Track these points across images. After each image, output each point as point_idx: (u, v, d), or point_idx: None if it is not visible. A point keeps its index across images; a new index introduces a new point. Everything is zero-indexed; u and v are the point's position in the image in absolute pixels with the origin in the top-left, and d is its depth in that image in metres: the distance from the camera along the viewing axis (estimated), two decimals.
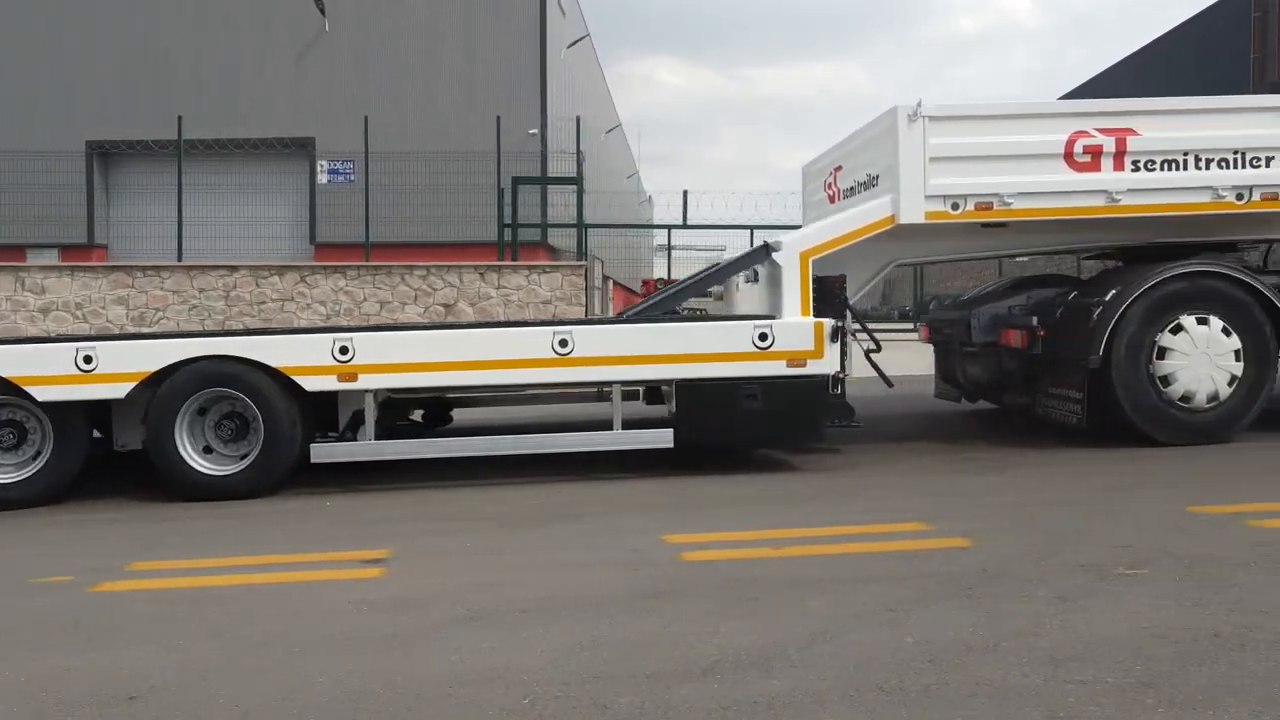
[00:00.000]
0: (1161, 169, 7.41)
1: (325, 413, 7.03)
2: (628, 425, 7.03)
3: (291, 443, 6.64)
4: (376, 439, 6.87)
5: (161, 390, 6.55)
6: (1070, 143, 7.36)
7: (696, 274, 8.69)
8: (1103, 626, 3.56)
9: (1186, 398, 7.36)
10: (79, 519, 6.28)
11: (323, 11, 24.45)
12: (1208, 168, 7.42)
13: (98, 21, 24.76)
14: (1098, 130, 7.38)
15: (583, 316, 14.30)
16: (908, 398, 9.99)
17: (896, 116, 7.38)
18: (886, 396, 8.88)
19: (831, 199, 9.10)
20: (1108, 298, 7.38)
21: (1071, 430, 7.51)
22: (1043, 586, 4.05)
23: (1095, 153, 7.36)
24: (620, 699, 3.06)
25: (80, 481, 6.74)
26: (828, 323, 7.05)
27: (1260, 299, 7.42)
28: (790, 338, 6.98)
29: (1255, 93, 7.73)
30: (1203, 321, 7.37)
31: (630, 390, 7.53)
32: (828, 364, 7.03)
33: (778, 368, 6.95)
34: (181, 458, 6.55)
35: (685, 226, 18.78)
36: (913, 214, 7.36)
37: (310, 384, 6.65)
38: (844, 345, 7.45)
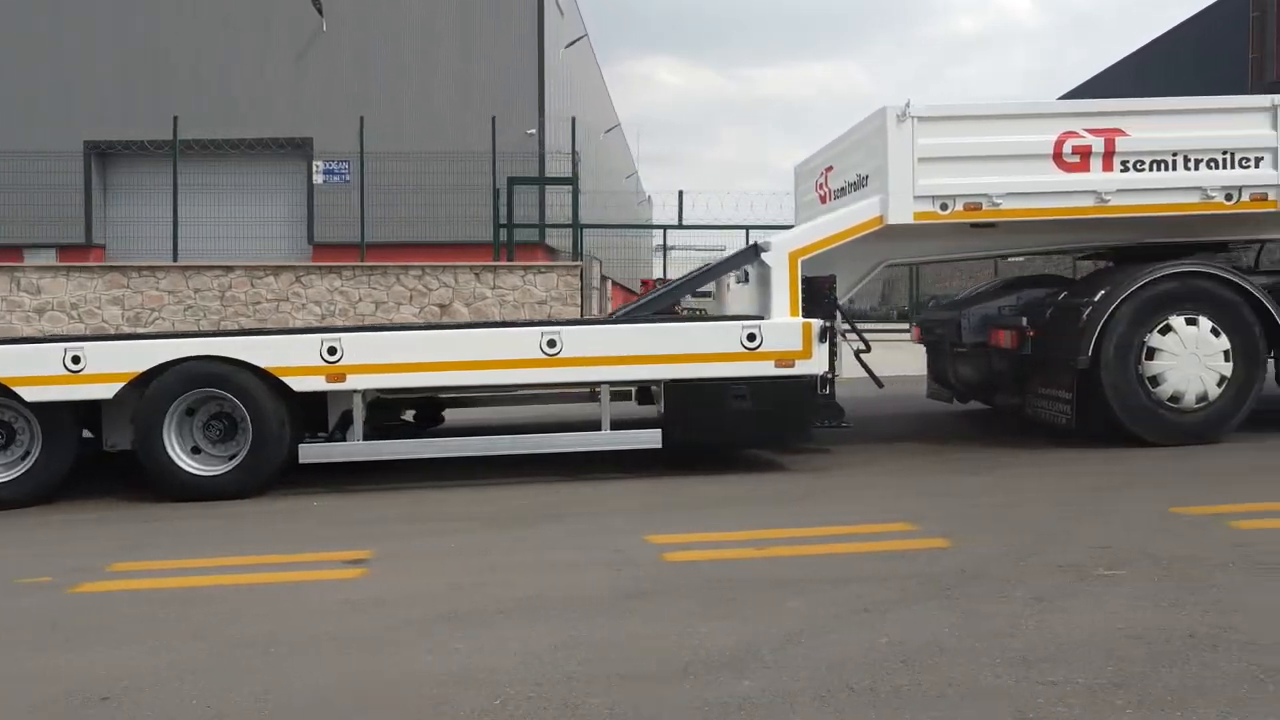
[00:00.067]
0: (1150, 169, 7.41)
1: (315, 413, 7.04)
2: (617, 425, 7.03)
3: (280, 443, 6.65)
4: (366, 439, 6.88)
5: (150, 390, 6.56)
6: (1059, 143, 7.36)
7: (687, 274, 8.69)
8: (1078, 627, 3.56)
9: (1175, 398, 7.36)
10: (68, 519, 6.29)
11: (320, 12, 24.48)
12: (1197, 168, 7.42)
13: (96, 22, 24.79)
14: (1087, 131, 7.38)
15: (577, 317, 14.30)
16: (900, 398, 10.01)
17: (885, 117, 7.38)
18: (879, 397, 8.90)
19: (823, 199, 9.11)
20: (1097, 298, 7.38)
21: (1061, 431, 7.51)
22: (1021, 587, 4.05)
23: (1084, 153, 7.36)
24: (592, 699, 3.07)
25: (70, 482, 6.75)
26: (815, 323, 7.05)
27: (1249, 299, 7.41)
28: (778, 338, 6.99)
29: (1254, 93, 7.73)
30: (1192, 322, 7.36)
31: (623, 390, 7.54)
32: (816, 364, 7.03)
33: (766, 368, 6.95)
34: (170, 458, 6.56)
35: (681, 227, 18.78)
36: (901, 214, 7.36)
37: (298, 384, 6.66)
38: (833, 346, 7.45)
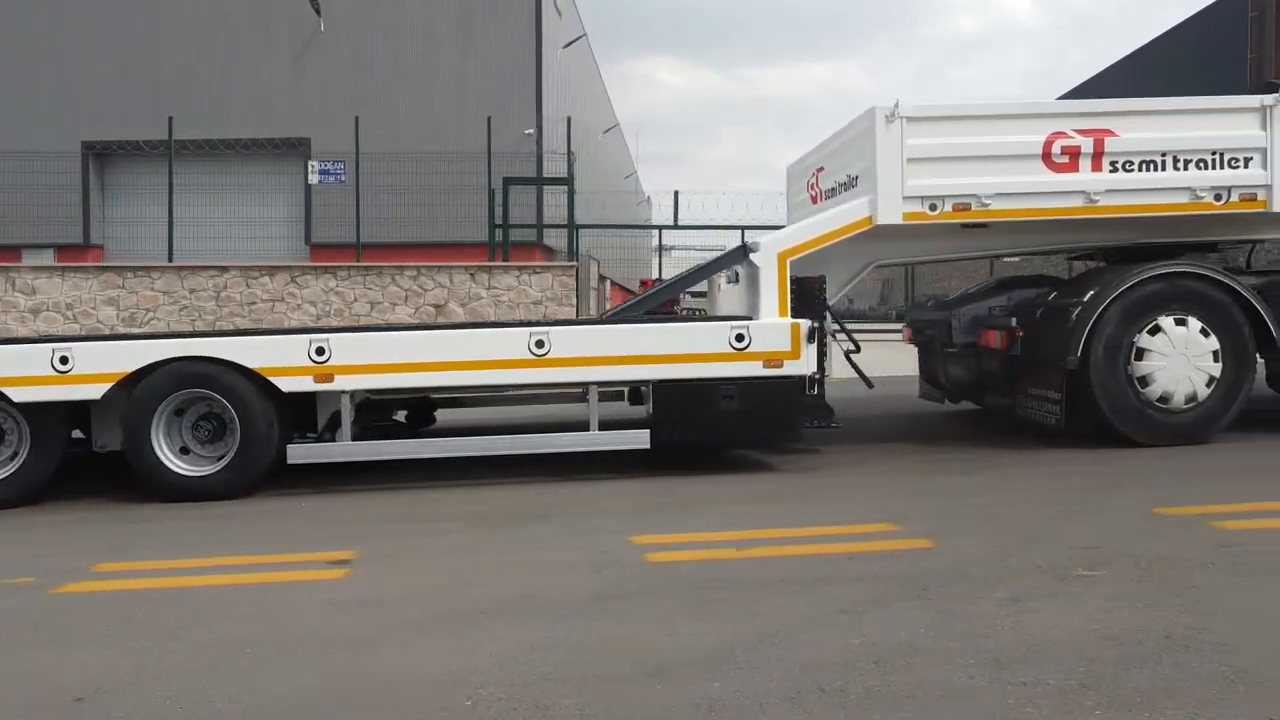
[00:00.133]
0: (1140, 170, 7.41)
1: (304, 413, 7.05)
2: (607, 426, 7.03)
3: (268, 443, 6.66)
4: (356, 439, 6.89)
5: (138, 391, 6.57)
6: (1048, 144, 7.35)
7: (678, 275, 8.70)
8: (1053, 628, 3.56)
9: (1164, 398, 7.35)
10: (55, 520, 6.30)
11: (318, 12, 24.48)
12: (1186, 168, 7.41)
13: (95, 22, 24.80)
14: (1076, 131, 7.37)
15: (572, 317, 14.30)
16: (891, 399, 10.00)
17: (874, 117, 7.38)
18: (870, 397, 8.88)
19: (814, 199, 9.11)
20: (1086, 298, 7.37)
21: (1051, 431, 7.51)
22: (999, 588, 4.05)
23: (1073, 153, 7.36)
24: (564, 700, 3.07)
25: (59, 482, 6.76)
26: (804, 324, 7.05)
27: (1239, 300, 7.40)
28: (767, 338, 6.99)
29: (1252, 93, 7.71)
30: (1181, 322, 7.36)
31: (615, 391, 7.54)
32: (804, 365, 7.03)
33: (754, 368, 6.95)
34: (158, 458, 6.57)
35: (676, 227, 18.80)
36: (890, 215, 7.36)
37: (286, 385, 6.67)
38: (822, 346, 7.45)
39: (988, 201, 7.37)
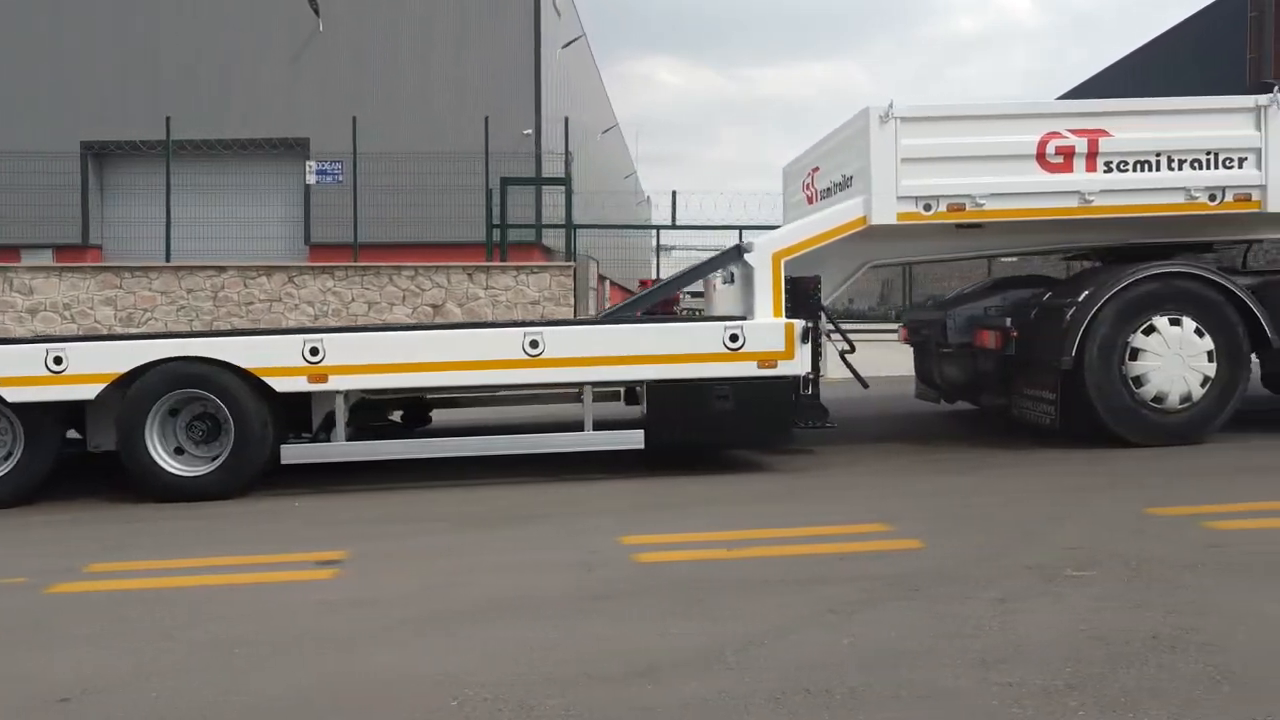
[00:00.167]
0: (1134, 170, 7.41)
1: (299, 414, 7.05)
2: (601, 426, 7.03)
3: (262, 444, 6.66)
4: (352, 440, 6.90)
5: (132, 391, 6.57)
6: (1042, 144, 7.35)
7: (672, 275, 8.70)
8: (1041, 628, 3.57)
9: (1159, 399, 7.35)
10: (49, 520, 6.30)
11: (317, 12, 24.49)
12: (1180, 169, 7.41)
13: (94, 22, 24.80)
14: (1070, 131, 7.37)
15: (569, 317, 14.31)
16: (888, 399, 10.01)
17: (868, 117, 7.38)
18: (867, 398, 8.89)
19: (810, 200, 9.11)
20: (1080, 298, 7.37)
21: (1046, 431, 7.51)
22: (989, 588, 4.06)
23: (1068, 154, 7.36)
24: (549, 701, 3.07)
25: (54, 482, 6.76)
26: (798, 324, 7.05)
27: (1233, 299, 7.41)
28: (761, 339, 6.99)
29: (1251, 93, 7.70)
30: (1175, 322, 7.36)
31: (611, 391, 7.54)
32: (798, 365, 7.03)
33: (748, 368, 6.95)
34: (151, 459, 6.57)
35: (674, 227, 18.78)
36: (884, 215, 7.36)
37: (280, 385, 6.67)
38: (816, 346, 7.45)
39: (982, 202, 7.37)
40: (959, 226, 7.74)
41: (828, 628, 3.66)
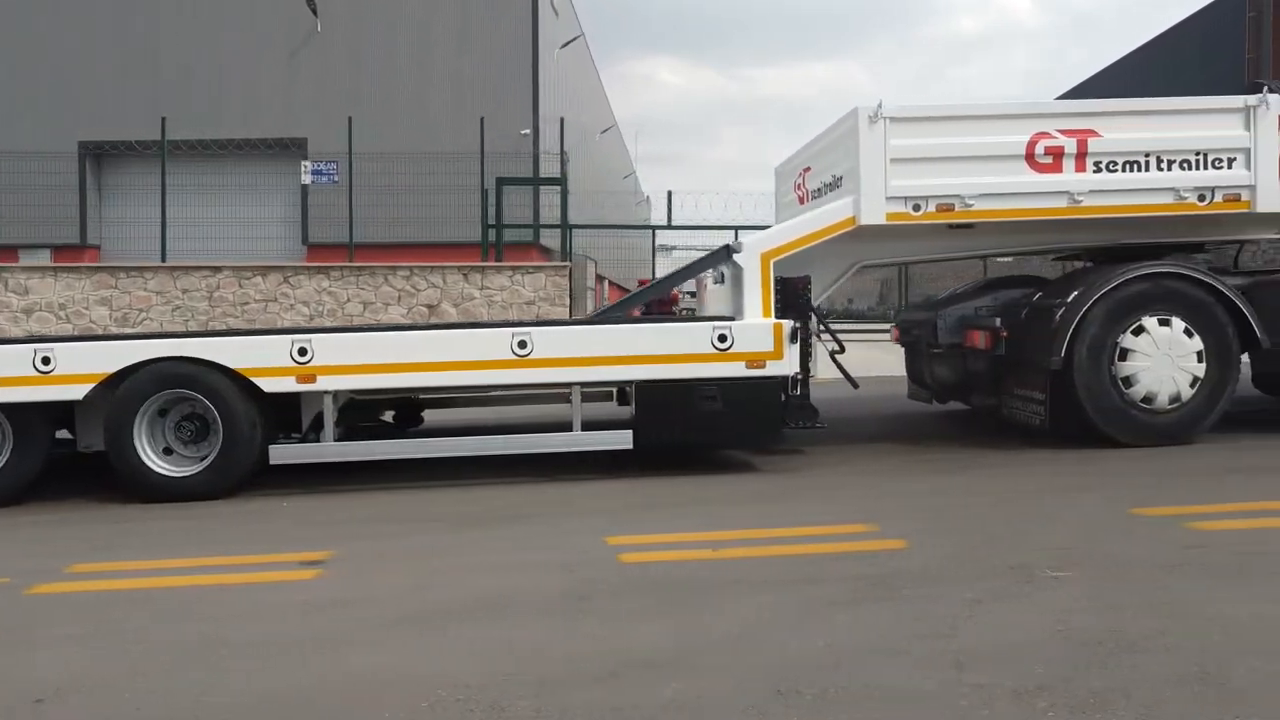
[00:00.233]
0: (1123, 170, 7.41)
1: (288, 414, 7.05)
2: (590, 426, 7.04)
3: (250, 444, 6.67)
4: (342, 440, 6.90)
5: (120, 391, 6.58)
6: (1032, 144, 7.35)
7: (664, 276, 8.71)
8: (1016, 629, 3.57)
9: (1148, 399, 7.35)
10: (37, 520, 6.31)
11: (315, 12, 24.51)
12: (1169, 169, 7.41)
13: (92, 22, 24.83)
14: (1059, 131, 7.37)
15: (562, 317, 14.31)
16: (879, 399, 10.02)
17: (858, 118, 7.38)
18: (858, 398, 8.90)
19: (801, 200, 9.11)
20: (1069, 299, 7.37)
21: (1036, 431, 7.51)
22: (968, 588, 4.06)
23: (1057, 154, 7.36)
24: (520, 702, 3.08)
25: (44, 482, 6.77)
26: (786, 324, 7.05)
27: (1222, 300, 7.41)
28: (749, 339, 6.99)
29: (1249, 93, 7.71)
30: (1165, 323, 7.36)
31: (602, 391, 7.54)
32: (787, 365, 7.03)
33: (737, 369, 6.96)
34: (140, 459, 6.57)
35: (670, 227, 18.79)
36: (874, 215, 7.36)
37: (269, 385, 6.68)
38: (806, 346, 7.46)
39: (971, 202, 7.37)
40: (949, 227, 7.73)
41: (804, 628, 3.67)
